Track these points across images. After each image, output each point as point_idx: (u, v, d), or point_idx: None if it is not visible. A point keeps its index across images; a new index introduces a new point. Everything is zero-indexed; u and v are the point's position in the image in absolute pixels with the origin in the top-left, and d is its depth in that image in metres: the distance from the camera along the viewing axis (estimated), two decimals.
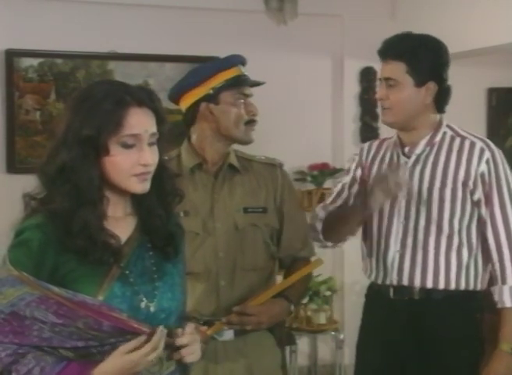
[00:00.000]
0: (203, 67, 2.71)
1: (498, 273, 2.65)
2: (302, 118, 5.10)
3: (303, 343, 4.98)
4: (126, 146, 1.79)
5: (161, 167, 1.88)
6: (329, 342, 5.04)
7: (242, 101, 2.61)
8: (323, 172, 5.02)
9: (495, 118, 5.49)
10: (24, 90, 4.60)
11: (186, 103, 2.64)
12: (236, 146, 2.71)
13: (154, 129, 1.83)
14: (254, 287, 2.59)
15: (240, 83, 2.60)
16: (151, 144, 1.83)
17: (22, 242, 1.78)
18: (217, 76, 2.59)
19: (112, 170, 1.80)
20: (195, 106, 2.60)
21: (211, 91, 2.58)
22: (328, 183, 5.03)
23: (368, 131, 5.06)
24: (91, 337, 1.74)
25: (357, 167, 2.90)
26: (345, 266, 4.98)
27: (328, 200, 2.93)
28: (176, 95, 2.67)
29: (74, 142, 1.77)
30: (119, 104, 1.78)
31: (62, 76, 4.64)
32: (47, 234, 1.77)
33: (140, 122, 1.80)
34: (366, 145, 2.92)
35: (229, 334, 2.56)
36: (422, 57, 2.64)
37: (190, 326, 1.86)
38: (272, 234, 2.65)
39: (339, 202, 2.89)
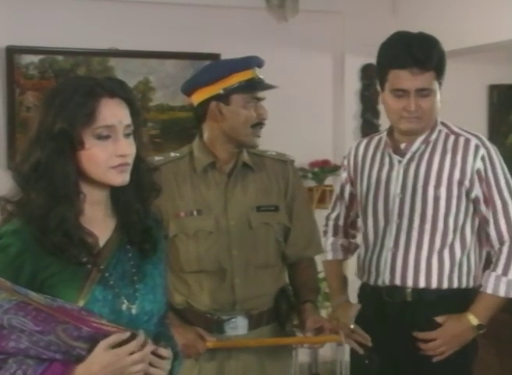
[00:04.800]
0: (219, 65, 2.71)
1: (493, 260, 2.67)
2: (303, 115, 5.09)
3: None
4: (101, 137, 1.76)
5: (139, 160, 1.85)
6: None
7: (253, 104, 2.58)
8: (324, 169, 5.02)
9: (496, 115, 5.49)
10: (25, 87, 4.60)
11: (197, 99, 2.62)
12: None
13: (128, 120, 1.80)
14: (267, 284, 2.62)
15: (253, 88, 2.58)
16: (126, 136, 1.80)
17: None
18: (231, 77, 2.56)
19: (89, 164, 1.77)
20: (206, 104, 2.58)
21: (222, 91, 2.56)
22: (329, 181, 5.03)
23: (368, 128, 5.05)
24: (69, 349, 1.70)
25: (344, 171, 2.94)
26: (346, 264, 4.97)
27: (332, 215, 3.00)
28: (188, 89, 2.65)
29: (48, 138, 1.75)
30: (90, 95, 1.76)
31: (63, 73, 4.63)
32: (25, 240, 1.74)
33: (114, 113, 1.78)
34: (354, 147, 2.91)
35: (242, 329, 2.60)
36: (444, 62, 2.64)
37: (167, 351, 1.83)
38: (283, 232, 2.67)
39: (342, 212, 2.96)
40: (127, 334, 1.73)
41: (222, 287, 2.58)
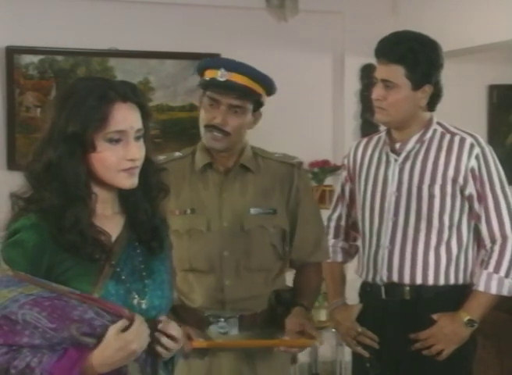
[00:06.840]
0: (205, 60, 2.70)
1: (485, 258, 2.68)
2: (303, 115, 5.09)
3: None
4: (112, 141, 1.79)
5: (147, 161, 1.88)
6: (330, 339, 5.02)
7: (208, 104, 2.54)
8: (324, 169, 5.03)
9: (496, 115, 5.49)
10: (25, 87, 4.61)
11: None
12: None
13: (139, 124, 1.83)
14: (260, 287, 2.59)
15: (205, 87, 2.56)
16: (137, 139, 1.83)
17: (17, 242, 1.77)
18: (205, 73, 2.58)
19: (100, 166, 1.80)
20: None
21: (199, 85, 2.60)
22: (328, 181, 5.04)
23: (368, 128, 5.04)
24: (82, 344, 1.74)
25: (344, 170, 2.96)
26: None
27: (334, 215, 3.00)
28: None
29: (60, 140, 1.77)
30: (104, 99, 1.78)
31: (63, 73, 4.64)
32: (42, 235, 1.77)
33: (126, 117, 1.80)
34: (353, 146, 2.93)
35: (233, 330, 2.58)
36: (421, 62, 2.63)
37: (181, 329, 1.88)
38: (281, 236, 2.62)
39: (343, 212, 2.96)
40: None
41: (212, 287, 2.56)
